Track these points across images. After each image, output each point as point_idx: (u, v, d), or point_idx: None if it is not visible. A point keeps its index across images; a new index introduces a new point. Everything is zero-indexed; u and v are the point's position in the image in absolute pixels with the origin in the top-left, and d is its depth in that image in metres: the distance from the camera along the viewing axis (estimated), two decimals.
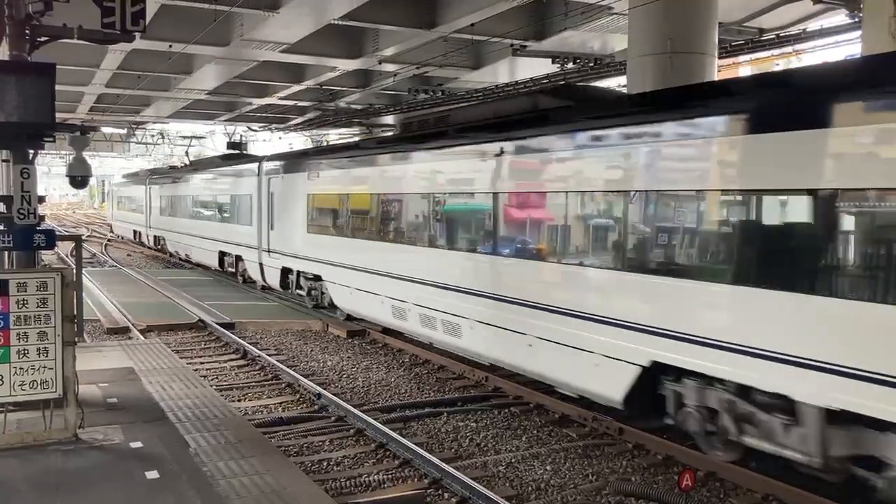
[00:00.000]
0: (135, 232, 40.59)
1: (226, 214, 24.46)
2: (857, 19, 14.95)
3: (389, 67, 24.03)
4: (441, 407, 10.67)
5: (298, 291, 18.87)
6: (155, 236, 35.33)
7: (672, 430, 8.85)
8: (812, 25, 18.55)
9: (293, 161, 19.34)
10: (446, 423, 10.04)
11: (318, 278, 17.44)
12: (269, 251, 19.88)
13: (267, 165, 20.67)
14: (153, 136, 50.28)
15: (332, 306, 17.12)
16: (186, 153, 41.00)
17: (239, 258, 23.05)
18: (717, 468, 8.14)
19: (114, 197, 50.25)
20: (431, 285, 12.43)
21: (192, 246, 28.28)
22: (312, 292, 18.20)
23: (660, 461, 8.66)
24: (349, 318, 16.77)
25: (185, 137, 45.55)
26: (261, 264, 20.70)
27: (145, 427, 7.86)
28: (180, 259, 31.28)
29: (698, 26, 14.27)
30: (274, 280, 19.87)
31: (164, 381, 9.79)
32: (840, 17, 17.04)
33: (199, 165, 30.29)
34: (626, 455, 8.88)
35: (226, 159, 26.93)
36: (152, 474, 6.55)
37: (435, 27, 18.84)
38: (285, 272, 19.19)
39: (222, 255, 24.79)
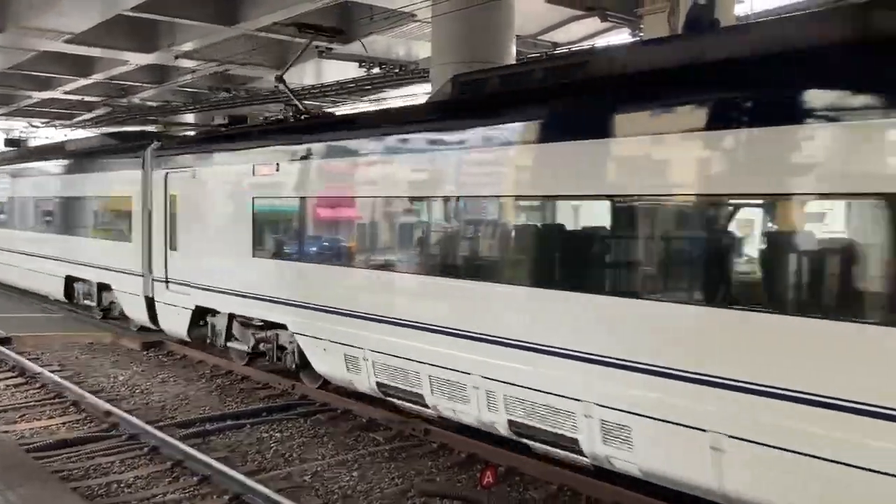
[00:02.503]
0: (100, 288, 16.57)
1: None
2: (639, 37, 16.23)
3: (188, 63, 22.94)
4: (244, 418, 10.27)
5: None
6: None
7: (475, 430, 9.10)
8: (600, 41, 19.93)
9: None
10: (249, 434, 9.68)
11: None
12: None
13: None
14: None
15: None
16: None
17: None
18: (519, 463, 8.44)
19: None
20: None
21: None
22: None
23: (464, 459, 8.83)
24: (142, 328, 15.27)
25: None
26: None
27: None
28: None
29: (497, 37, 14.82)
30: None
31: None
32: (625, 35, 18.43)
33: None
34: (431, 455, 8.98)
35: None
36: None
37: (236, 24, 18.22)
38: None
39: None
